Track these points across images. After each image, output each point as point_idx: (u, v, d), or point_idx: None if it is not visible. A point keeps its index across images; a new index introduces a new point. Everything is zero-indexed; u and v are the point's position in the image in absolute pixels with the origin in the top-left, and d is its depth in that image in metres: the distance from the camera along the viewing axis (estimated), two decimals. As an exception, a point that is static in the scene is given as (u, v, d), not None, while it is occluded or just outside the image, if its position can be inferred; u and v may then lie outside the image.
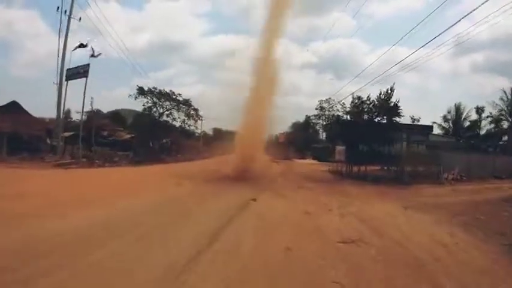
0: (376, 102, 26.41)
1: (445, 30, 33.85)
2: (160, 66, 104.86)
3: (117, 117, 49.92)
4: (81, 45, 31.50)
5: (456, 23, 26.83)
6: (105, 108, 52.50)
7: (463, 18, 26.33)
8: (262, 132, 24.95)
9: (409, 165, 25.27)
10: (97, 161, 28.38)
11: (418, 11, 79.82)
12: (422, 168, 25.55)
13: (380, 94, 26.29)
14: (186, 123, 44.05)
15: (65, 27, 29.84)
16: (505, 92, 45.70)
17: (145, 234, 7.89)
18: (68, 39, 30.08)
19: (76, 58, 33.91)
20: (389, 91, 25.94)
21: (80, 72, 30.91)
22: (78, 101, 32.12)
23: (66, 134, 33.16)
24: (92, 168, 25.79)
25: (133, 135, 41.58)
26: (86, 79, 31.04)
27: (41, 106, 68.32)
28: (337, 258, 6.88)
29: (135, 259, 6.16)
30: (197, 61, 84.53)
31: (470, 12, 21.94)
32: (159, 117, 42.01)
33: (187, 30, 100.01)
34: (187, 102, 43.10)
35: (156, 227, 8.76)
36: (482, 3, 19.59)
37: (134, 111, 46.55)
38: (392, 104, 25.71)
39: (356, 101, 27.72)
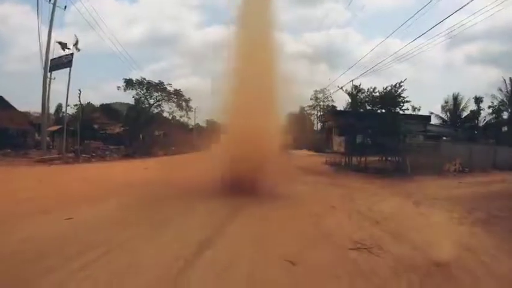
0: (379, 94, 25.81)
1: (439, 23, 33.16)
2: (154, 58, 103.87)
3: (108, 110, 49.04)
4: (61, 43, 30.14)
5: (451, 15, 26.32)
6: (100, 102, 51.93)
7: (458, 10, 25.71)
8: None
9: (410, 157, 24.44)
10: (84, 156, 27.33)
11: (414, 2, 78.91)
12: (424, 160, 24.73)
13: (387, 88, 25.65)
14: (177, 115, 43.08)
15: (58, 20, 28.83)
16: (504, 81, 45.01)
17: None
18: (61, 33, 29.08)
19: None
20: (398, 85, 25.30)
21: (64, 62, 29.64)
22: (70, 95, 30.83)
23: (53, 128, 32.23)
24: (76, 164, 24.62)
25: (124, 128, 40.75)
26: (70, 69, 29.77)
27: (33, 101, 67.51)
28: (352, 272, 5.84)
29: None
30: (191, 53, 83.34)
31: (465, 5, 21.24)
32: (149, 109, 41.06)
33: (180, 22, 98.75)
34: (178, 93, 41.72)
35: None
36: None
37: (128, 104, 45.60)
38: (400, 99, 25.11)
39: (354, 91, 27.08)
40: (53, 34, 29.22)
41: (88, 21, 41.56)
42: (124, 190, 13.73)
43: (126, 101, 45.20)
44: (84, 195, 12.29)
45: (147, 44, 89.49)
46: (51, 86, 29.43)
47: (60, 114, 46.93)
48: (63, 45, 29.84)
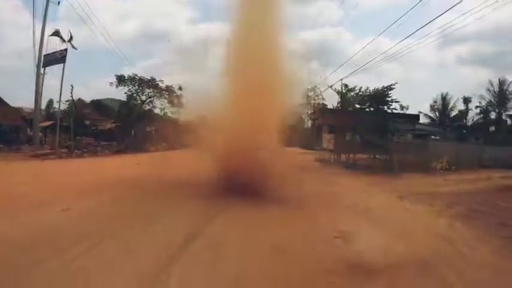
0: (368, 93, 26.39)
1: (428, 22, 33.42)
2: (146, 55, 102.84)
3: (99, 106, 48.98)
4: (56, 33, 30.13)
5: (441, 14, 26.65)
6: (90, 98, 51.69)
7: (448, 10, 26.10)
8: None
9: (398, 154, 24.90)
10: (77, 151, 27.47)
11: (408, 1, 79.52)
12: (411, 158, 25.21)
13: (378, 89, 26.26)
14: (168, 111, 43.11)
15: (51, 15, 28.87)
16: (491, 83, 45.79)
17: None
18: (56, 28, 29.10)
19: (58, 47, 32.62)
20: (388, 88, 25.95)
21: (57, 57, 29.59)
22: (63, 91, 30.83)
23: (46, 123, 32.28)
24: (69, 159, 24.78)
25: (116, 124, 40.80)
26: (64, 65, 29.72)
27: (23, 96, 67.10)
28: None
29: None
30: (183, 49, 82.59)
31: (455, 5, 21.61)
32: (141, 105, 41.12)
33: (172, 18, 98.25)
34: (169, 89, 41.78)
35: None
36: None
37: (119, 100, 45.53)
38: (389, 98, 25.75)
39: (344, 90, 27.65)
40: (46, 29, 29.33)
41: (80, 16, 41.02)
42: (116, 185, 13.70)
43: (116, 97, 45.16)
44: (79, 189, 12.34)
45: (139, 39, 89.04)
46: (43, 81, 29.56)
47: (51, 110, 46.82)
48: (56, 34, 29.83)
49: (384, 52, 32.45)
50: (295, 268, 5.77)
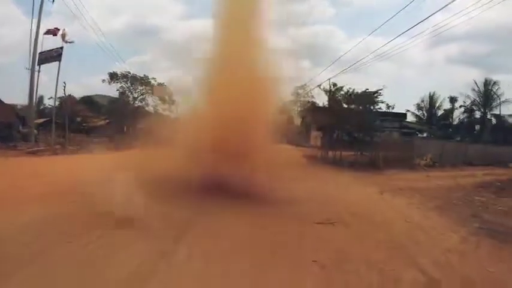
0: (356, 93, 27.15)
1: (419, 23, 34.16)
2: (136, 50, 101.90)
3: (90, 102, 48.95)
4: (49, 32, 30.18)
5: (432, 14, 27.30)
6: (80, 94, 51.45)
7: (439, 10, 26.76)
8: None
9: (383, 151, 25.53)
10: (71, 148, 27.67)
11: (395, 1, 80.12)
12: (397, 154, 25.86)
13: (365, 91, 27.02)
14: (160, 108, 43.19)
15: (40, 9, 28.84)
16: (475, 83, 46.69)
17: None
18: (45, 23, 29.11)
19: (50, 44, 32.62)
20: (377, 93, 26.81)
21: (53, 55, 29.65)
22: (51, 87, 30.99)
23: (39, 120, 32.41)
24: (64, 155, 24.98)
25: (108, 121, 40.97)
26: (59, 63, 29.79)
27: (12, 93, 66.24)
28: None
29: None
30: (173, 45, 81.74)
31: (447, 5, 22.15)
32: (133, 102, 41.30)
33: (163, 13, 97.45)
34: (161, 86, 41.87)
35: None
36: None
37: (109, 97, 45.51)
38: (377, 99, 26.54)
39: (333, 88, 28.25)
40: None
41: (72, 11, 41.08)
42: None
43: (106, 93, 45.17)
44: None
45: (129, 35, 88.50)
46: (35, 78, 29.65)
47: (41, 106, 46.73)
48: (50, 33, 29.86)
49: (373, 51, 32.96)
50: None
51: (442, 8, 27.92)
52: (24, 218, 7.35)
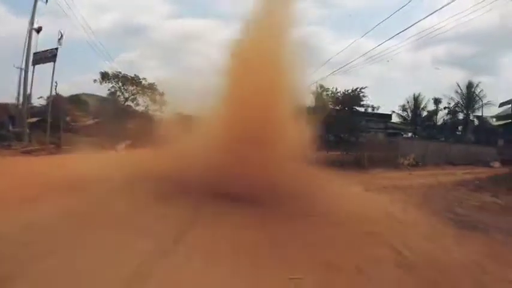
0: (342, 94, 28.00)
1: (408, 28, 34.90)
2: (124, 49, 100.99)
3: (78, 102, 48.84)
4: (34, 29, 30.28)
5: (423, 18, 28.05)
6: (67, 93, 51.20)
7: (430, 14, 27.62)
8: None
9: (368, 151, 26.39)
10: (65, 147, 27.98)
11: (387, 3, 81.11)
12: (382, 154, 26.74)
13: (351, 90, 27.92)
14: (151, 109, 43.47)
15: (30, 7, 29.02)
16: (458, 85, 47.92)
17: None
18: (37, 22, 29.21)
19: (40, 42, 32.77)
20: (359, 90, 27.68)
21: (48, 56, 29.93)
22: (38, 86, 31.16)
23: (32, 119, 32.56)
24: (61, 154, 25.26)
25: (97, 120, 41.16)
26: (54, 63, 30.19)
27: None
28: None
29: None
30: (161, 44, 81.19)
31: (438, 9, 23.03)
32: (124, 102, 41.63)
33: (151, 12, 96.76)
34: (152, 87, 42.62)
35: None
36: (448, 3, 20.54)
37: (96, 96, 45.63)
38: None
39: (320, 90, 29.04)
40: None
41: (61, 9, 40.90)
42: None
43: (93, 92, 45.28)
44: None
45: (117, 33, 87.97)
46: (22, 76, 29.94)
47: (29, 105, 46.64)
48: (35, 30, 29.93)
49: (363, 55, 33.75)
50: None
51: (435, 11, 28.59)
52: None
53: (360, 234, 7.71)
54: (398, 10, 30.56)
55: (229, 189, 9.67)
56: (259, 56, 11.70)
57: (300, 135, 12.32)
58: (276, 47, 12.09)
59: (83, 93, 49.38)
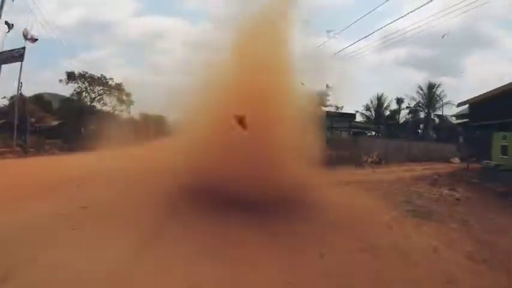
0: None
1: (376, 31, 35.88)
2: (88, 46, 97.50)
3: (41, 102, 47.46)
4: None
5: (389, 24, 28.85)
6: (28, 92, 49.50)
7: (396, 20, 28.42)
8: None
9: (333, 150, 27.13)
10: (32, 150, 27.42)
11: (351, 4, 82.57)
12: (346, 153, 27.54)
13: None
14: (118, 109, 42.72)
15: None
16: (421, 88, 49.59)
17: None
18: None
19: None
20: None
21: (15, 56, 29.11)
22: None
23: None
24: (30, 157, 24.75)
25: (61, 121, 40.26)
26: (22, 63, 29.35)
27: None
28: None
29: None
30: (127, 42, 78.74)
31: (407, 13, 23.93)
32: (91, 103, 40.86)
33: (117, 8, 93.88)
34: (119, 87, 42.45)
35: None
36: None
37: (59, 95, 44.36)
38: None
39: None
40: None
41: (26, 4, 39.66)
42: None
43: (54, 92, 44.18)
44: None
45: (82, 31, 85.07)
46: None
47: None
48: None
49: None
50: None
51: (402, 16, 29.58)
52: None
53: (325, 224, 8.25)
54: (368, 13, 31.36)
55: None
56: (255, 55, 11.02)
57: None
58: (271, 48, 11.37)
59: (46, 93, 47.99)
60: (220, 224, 8.06)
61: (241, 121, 9.78)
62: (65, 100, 42.43)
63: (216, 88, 11.36)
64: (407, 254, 6.90)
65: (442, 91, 48.38)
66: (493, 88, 16.72)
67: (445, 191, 14.68)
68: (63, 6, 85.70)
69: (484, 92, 18.30)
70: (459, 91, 71.01)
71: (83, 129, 38.78)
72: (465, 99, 23.42)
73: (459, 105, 28.00)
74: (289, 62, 11.82)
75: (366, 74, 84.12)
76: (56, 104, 44.81)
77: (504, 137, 23.78)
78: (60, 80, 39.68)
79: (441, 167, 25.50)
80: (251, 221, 8.23)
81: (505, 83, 15.77)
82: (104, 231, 7.29)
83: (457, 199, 13.29)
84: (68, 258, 5.82)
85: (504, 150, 24.01)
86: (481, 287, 5.97)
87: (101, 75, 40.69)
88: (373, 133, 48.19)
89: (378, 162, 27.76)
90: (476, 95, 19.18)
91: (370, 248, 6.95)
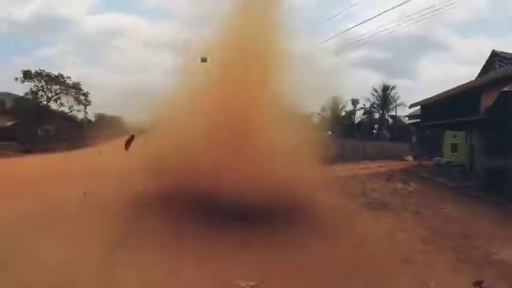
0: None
1: (338, 34, 36.63)
2: (42, 43, 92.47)
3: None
4: None
5: (351, 28, 29.61)
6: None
7: (358, 25, 29.17)
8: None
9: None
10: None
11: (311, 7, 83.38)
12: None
13: None
14: (75, 109, 41.62)
15: None
16: (375, 90, 51.27)
17: None
18: None
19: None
20: None
21: None
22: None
23: None
24: None
25: (15, 122, 38.93)
26: None
27: None
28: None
29: None
30: (84, 40, 75.80)
31: (370, 19, 24.78)
32: (48, 102, 39.61)
33: (72, 5, 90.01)
34: (76, 86, 41.05)
35: None
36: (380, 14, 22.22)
37: (11, 94, 42.60)
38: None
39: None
40: None
41: None
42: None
43: (8, 91, 42.52)
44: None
45: (37, 27, 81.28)
46: None
47: None
48: None
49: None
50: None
51: (365, 21, 30.53)
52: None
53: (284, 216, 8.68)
54: (332, 17, 31.88)
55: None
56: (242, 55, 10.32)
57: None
58: (257, 45, 10.64)
59: (-2, 92, 46.33)
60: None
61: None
62: (19, 99, 40.42)
63: (189, 88, 10.93)
64: (365, 239, 7.62)
65: (396, 93, 50.40)
66: (444, 90, 17.83)
67: (399, 185, 15.70)
68: (17, 2, 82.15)
69: (435, 94, 19.44)
70: (412, 92, 74.03)
71: (39, 130, 37.70)
72: (417, 100, 24.70)
73: (411, 106, 29.34)
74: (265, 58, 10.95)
75: (324, 75, 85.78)
76: (9, 104, 42.80)
77: (454, 136, 25.28)
78: (16, 78, 38.01)
79: (395, 164, 26.86)
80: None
81: (456, 85, 16.97)
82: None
83: (410, 192, 14.30)
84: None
85: (454, 148, 25.53)
86: (431, 262, 6.66)
87: (58, 73, 39.46)
88: (328, 133, 49.29)
89: (334, 161, 28.60)
90: (428, 97, 20.32)
91: (328, 235, 7.74)
